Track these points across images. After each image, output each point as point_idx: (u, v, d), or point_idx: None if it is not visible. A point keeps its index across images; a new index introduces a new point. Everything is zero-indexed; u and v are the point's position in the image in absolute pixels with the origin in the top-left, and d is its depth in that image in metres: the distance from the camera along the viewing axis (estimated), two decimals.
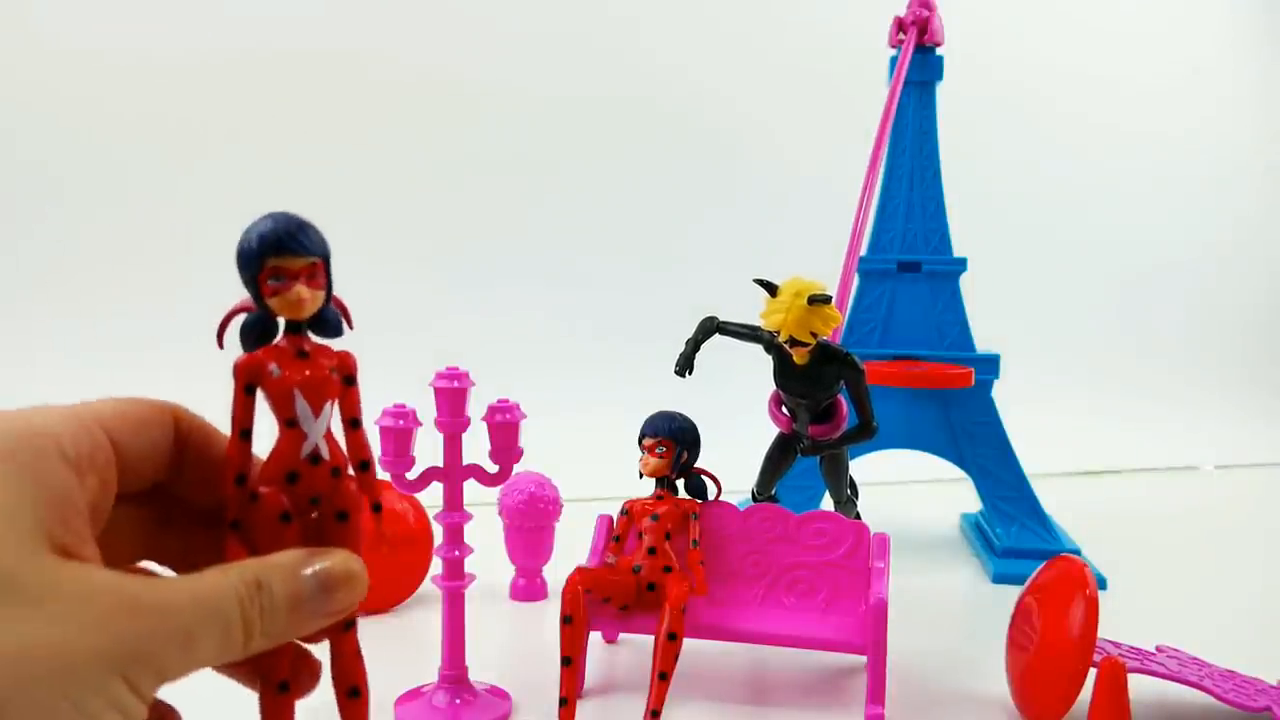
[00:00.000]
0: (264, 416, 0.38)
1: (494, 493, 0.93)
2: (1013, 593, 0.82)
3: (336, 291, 0.39)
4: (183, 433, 0.37)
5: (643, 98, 1.99)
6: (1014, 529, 1.20)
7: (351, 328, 0.40)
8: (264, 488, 0.37)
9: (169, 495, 0.37)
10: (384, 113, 1.90)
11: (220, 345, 0.38)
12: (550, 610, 1.01)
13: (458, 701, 0.76)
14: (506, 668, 0.84)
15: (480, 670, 0.80)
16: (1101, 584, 1.04)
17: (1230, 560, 1.28)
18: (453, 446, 0.75)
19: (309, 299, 0.37)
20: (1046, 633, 0.73)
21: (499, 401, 0.77)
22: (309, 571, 0.34)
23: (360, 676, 0.39)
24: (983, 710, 0.80)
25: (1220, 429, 2.05)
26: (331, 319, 0.39)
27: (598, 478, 1.13)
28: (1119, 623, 0.83)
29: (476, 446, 0.75)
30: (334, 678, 0.39)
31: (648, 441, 0.82)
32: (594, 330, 1.90)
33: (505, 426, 0.76)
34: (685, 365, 0.89)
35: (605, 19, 2.01)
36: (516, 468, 0.78)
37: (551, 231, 1.94)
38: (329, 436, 0.38)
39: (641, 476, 0.83)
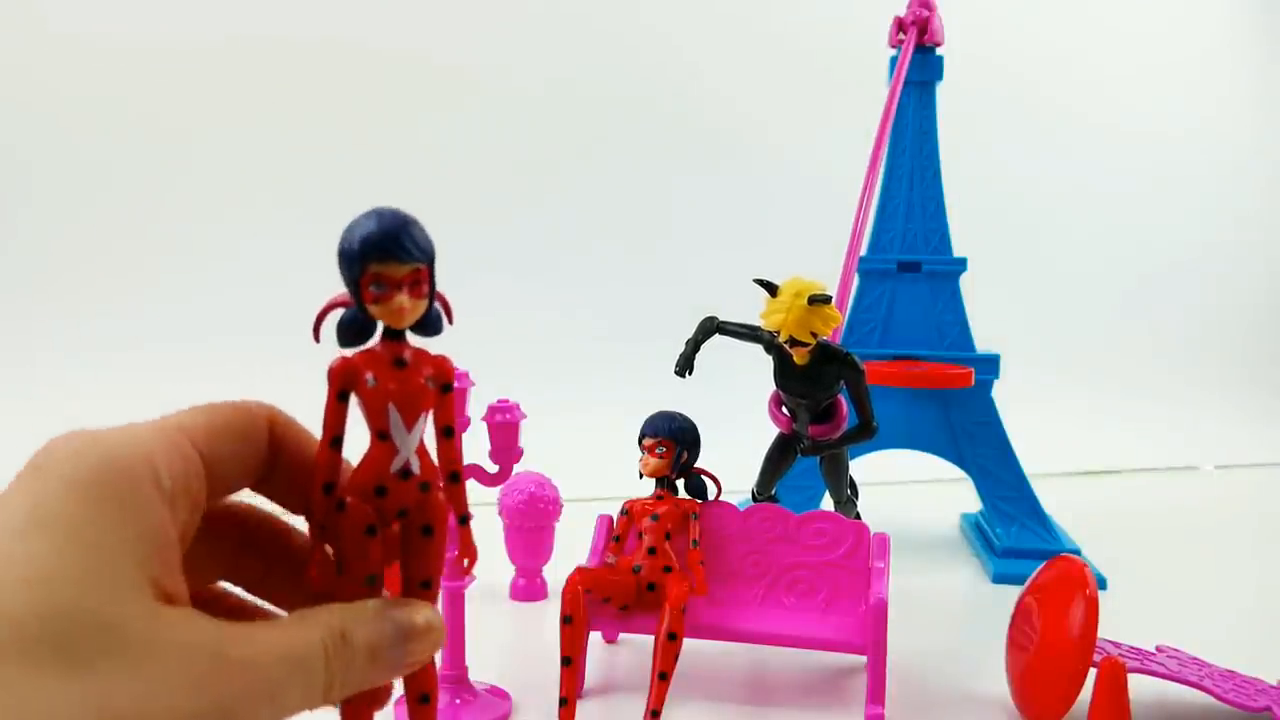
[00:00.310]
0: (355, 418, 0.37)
1: (494, 493, 0.93)
2: (1013, 593, 0.82)
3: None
4: (277, 438, 0.35)
5: (643, 97, 1.99)
6: (1014, 529, 1.20)
7: (452, 323, 0.38)
8: (350, 498, 0.36)
9: (251, 512, 0.36)
10: (382, 110, 1.90)
11: (317, 339, 0.37)
12: (550, 610, 1.01)
13: (458, 702, 0.76)
14: (506, 668, 0.84)
15: (480, 670, 0.80)
16: (1101, 584, 1.03)
17: (1230, 560, 1.28)
18: None
19: (409, 309, 0.35)
20: (1046, 633, 0.73)
21: (499, 401, 0.77)
22: (389, 624, 0.34)
23: (432, 684, 0.39)
24: (983, 710, 0.80)
25: (1220, 429, 2.05)
26: (432, 318, 0.37)
27: (598, 478, 1.13)
28: (1119, 623, 0.83)
29: (476, 446, 0.75)
30: (405, 683, 0.39)
31: (648, 441, 0.82)
32: (594, 330, 1.90)
33: (505, 426, 0.76)
34: (685, 365, 0.89)
35: (606, 19, 2.01)
36: (516, 468, 0.78)
37: (552, 231, 1.94)
38: (420, 449, 0.37)
39: (641, 476, 0.83)
